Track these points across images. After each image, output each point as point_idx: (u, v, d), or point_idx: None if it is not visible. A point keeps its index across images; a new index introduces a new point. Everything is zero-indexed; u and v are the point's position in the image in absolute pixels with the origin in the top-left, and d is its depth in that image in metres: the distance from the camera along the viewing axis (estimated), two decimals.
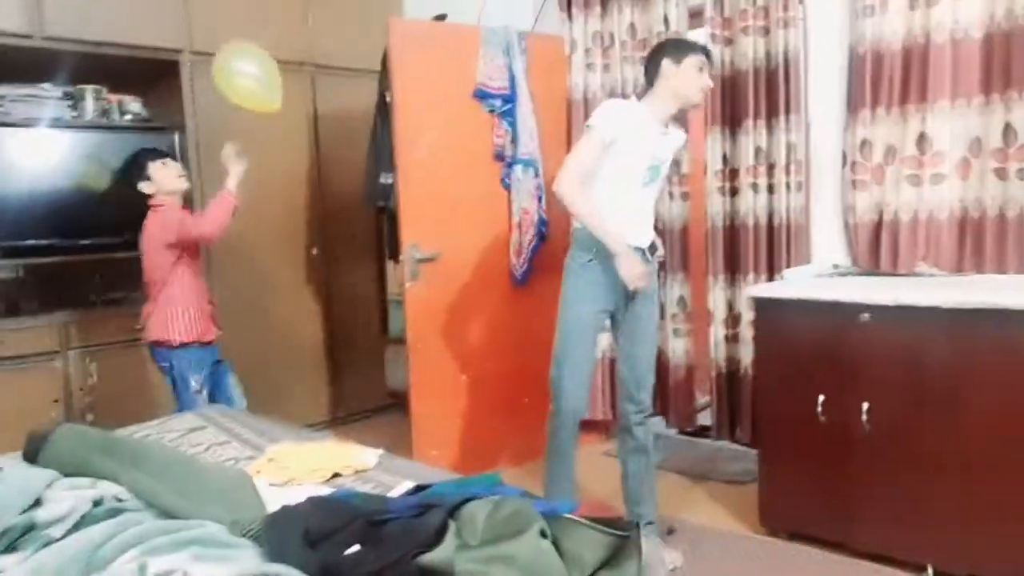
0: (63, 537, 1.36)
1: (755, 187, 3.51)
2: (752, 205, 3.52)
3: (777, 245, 3.44)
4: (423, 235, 3.42)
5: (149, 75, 3.94)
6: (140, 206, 3.07)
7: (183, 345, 3.11)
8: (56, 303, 3.77)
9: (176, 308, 3.10)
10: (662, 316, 3.82)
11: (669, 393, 3.86)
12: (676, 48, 2.67)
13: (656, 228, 3.80)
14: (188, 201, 3.85)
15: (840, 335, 2.68)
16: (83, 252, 3.69)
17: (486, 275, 3.69)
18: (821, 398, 2.71)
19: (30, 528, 1.41)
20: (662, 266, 3.54)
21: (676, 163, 3.72)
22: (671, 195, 3.76)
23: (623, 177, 2.65)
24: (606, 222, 2.59)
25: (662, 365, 3.81)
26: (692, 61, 2.63)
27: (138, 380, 3.66)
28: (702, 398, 3.92)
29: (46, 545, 1.37)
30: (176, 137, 3.91)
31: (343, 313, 4.58)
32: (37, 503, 1.47)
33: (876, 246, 3.20)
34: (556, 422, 2.75)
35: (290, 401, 4.28)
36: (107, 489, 1.49)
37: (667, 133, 2.72)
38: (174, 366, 3.13)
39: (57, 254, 3.69)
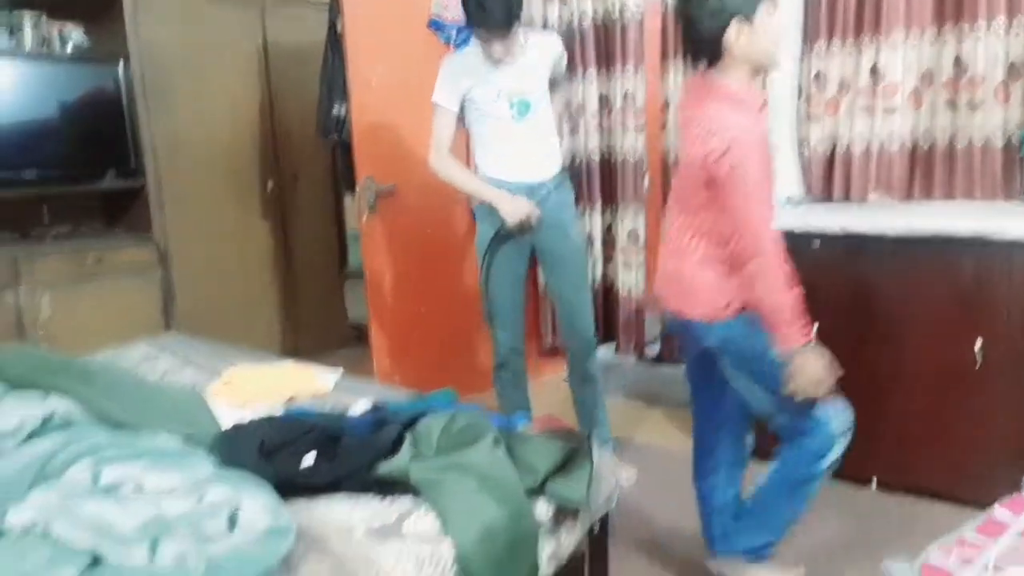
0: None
1: None
2: None
3: None
4: (378, 167, 3.37)
5: (90, 1, 3.77)
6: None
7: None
8: (3, 237, 3.66)
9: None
10: (613, 248, 3.86)
11: (619, 323, 3.90)
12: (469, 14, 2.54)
13: (608, 161, 3.84)
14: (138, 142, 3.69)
15: (792, 262, 2.73)
16: (28, 186, 3.57)
17: (443, 207, 3.67)
18: None
19: None
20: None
21: (632, 97, 3.71)
22: (624, 127, 3.74)
23: (490, 122, 2.69)
24: (474, 179, 2.73)
25: (612, 296, 3.86)
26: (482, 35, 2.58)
27: (93, 315, 3.59)
28: (654, 328, 3.97)
29: None
30: (120, 68, 3.77)
31: (301, 247, 4.54)
32: None
33: (829, 177, 3.24)
34: (497, 359, 2.86)
35: (249, 337, 4.24)
36: (57, 405, 1.47)
37: (502, 63, 2.62)
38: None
39: (1, 187, 3.56)
